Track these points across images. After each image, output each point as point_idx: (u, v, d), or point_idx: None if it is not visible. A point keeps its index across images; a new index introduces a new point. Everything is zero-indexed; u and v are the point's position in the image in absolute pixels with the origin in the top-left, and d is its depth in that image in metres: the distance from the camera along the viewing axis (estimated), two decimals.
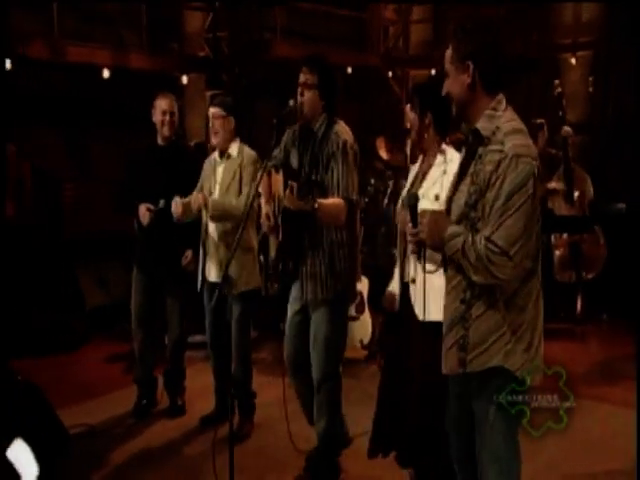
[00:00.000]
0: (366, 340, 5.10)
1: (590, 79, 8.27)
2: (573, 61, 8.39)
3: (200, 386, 4.43)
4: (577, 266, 5.83)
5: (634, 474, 2.77)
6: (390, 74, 10.11)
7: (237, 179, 3.78)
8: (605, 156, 7.68)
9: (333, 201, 3.04)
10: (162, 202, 3.97)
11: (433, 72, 9.58)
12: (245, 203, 3.63)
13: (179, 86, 8.11)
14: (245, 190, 3.75)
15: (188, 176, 4.05)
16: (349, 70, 8.81)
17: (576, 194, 5.99)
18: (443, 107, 2.65)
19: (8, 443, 3.04)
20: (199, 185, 3.95)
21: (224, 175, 3.83)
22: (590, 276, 5.92)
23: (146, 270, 4.26)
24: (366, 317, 5.07)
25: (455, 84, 2.20)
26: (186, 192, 3.93)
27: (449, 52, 2.22)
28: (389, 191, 6.87)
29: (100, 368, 5.33)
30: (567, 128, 5.97)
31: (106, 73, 7.16)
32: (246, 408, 4.00)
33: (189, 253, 4.17)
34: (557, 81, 6.47)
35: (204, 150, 5.91)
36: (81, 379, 5.09)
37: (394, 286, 3.04)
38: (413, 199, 2.29)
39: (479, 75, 2.15)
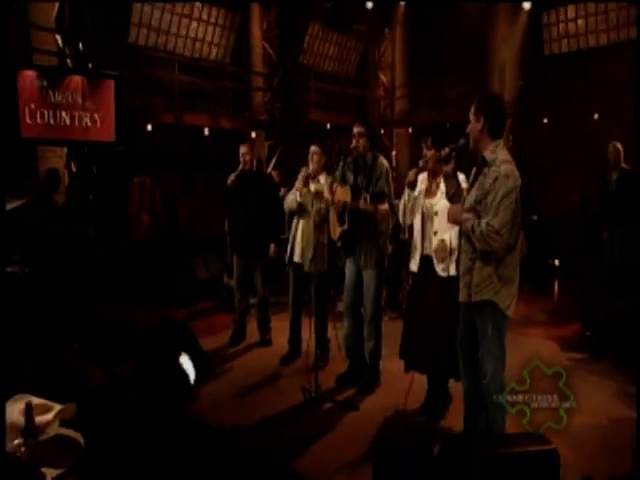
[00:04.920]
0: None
1: (510, 137, 8.57)
2: None
3: (278, 330, 4.44)
4: None
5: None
6: (382, 131, 10.41)
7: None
8: (522, 186, 8.02)
9: (384, 206, 3.24)
10: None
11: (410, 130, 9.93)
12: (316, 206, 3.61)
13: (249, 139, 8.25)
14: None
15: (262, 191, 4.26)
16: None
17: None
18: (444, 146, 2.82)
19: (179, 354, 3.43)
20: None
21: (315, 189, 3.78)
22: None
23: (242, 255, 4.38)
24: None
25: (473, 128, 2.37)
26: (260, 200, 4.11)
27: (472, 108, 2.34)
28: None
29: (206, 316, 5.37)
30: None
31: (206, 131, 7.42)
32: (323, 349, 3.81)
33: (273, 246, 4.21)
34: None
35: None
36: (194, 323, 5.08)
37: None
38: (457, 197, 2.44)
39: (488, 126, 2.33)
